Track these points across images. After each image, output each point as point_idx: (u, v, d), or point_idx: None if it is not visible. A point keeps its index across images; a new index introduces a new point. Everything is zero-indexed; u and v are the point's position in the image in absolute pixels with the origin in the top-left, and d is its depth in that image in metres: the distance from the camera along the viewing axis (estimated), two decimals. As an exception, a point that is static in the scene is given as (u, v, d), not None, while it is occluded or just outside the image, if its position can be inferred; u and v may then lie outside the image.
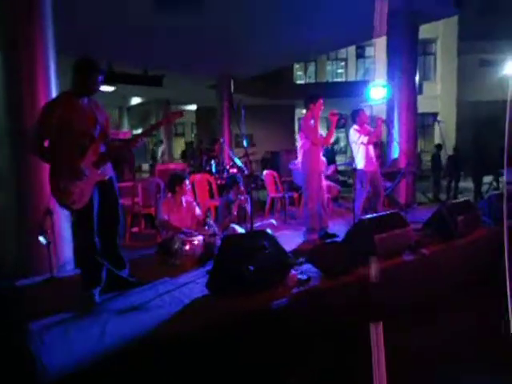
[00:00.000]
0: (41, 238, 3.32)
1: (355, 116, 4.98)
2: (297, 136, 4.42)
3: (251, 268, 2.65)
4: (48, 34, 3.52)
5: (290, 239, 4.47)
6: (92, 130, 2.78)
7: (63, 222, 3.58)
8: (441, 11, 6.48)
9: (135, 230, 4.97)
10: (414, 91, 6.62)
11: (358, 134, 4.85)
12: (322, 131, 4.53)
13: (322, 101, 4.31)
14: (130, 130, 15.89)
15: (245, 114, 4.18)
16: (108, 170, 2.92)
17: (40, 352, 2.15)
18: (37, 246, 3.37)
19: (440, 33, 16.55)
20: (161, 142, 12.67)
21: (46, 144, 2.69)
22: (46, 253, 3.30)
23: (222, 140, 4.64)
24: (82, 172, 2.65)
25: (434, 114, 17.28)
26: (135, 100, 15.49)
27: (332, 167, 7.09)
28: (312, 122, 4.33)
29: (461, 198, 5.28)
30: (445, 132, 14.75)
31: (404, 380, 2.46)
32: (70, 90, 2.75)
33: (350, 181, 4.68)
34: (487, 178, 9.55)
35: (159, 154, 10.99)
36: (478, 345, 2.93)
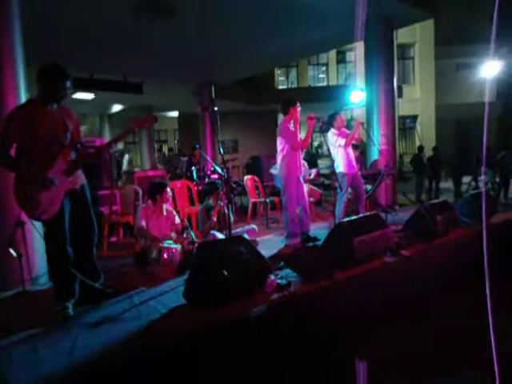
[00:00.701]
0: (11, 251, 3.21)
1: (332, 120, 5.01)
2: (277, 140, 4.40)
3: (227, 275, 2.60)
4: (16, 45, 3.44)
5: (272, 244, 4.45)
6: (61, 137, 2.70)
7: (36, 233, 3.47)
8: (413, 16, 6.60)
9: (113, 239, 4.87)
10: (391, 94, 6.70)
11: (335, 137, 4.88)
12: (301, 135, 4.53)
13: (298, 105, 4.32)
14: (111, 137, 15.64)
15: (221, 121, 4.15)
16: (79, 178, 2.84)
17: (7, 370, 2.05)
18: (8, 259, 3.26)
19: (418, 37, 16.90)
20: (127, 151, 12.29)
21: (12, 152, 2.60)
22: (17, 266, 3.20)
23: (197, 146, 4.57)
24: (51, 181, 2.56)
25: (414, 117, 17.61)
26: (116, 107, 15.29)
27: (314, 171, 7.11)
28: (291, 126, 4.34)
29: (440, 199, 5.34)
30: (421, 134, 15.07)
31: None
32: (36, 98, 2.68)
33: (334, 184, 4.72)
34: (467, 179, 9.73)
35: (124, 164, 10.64)
36: (458, 345, 2.93)
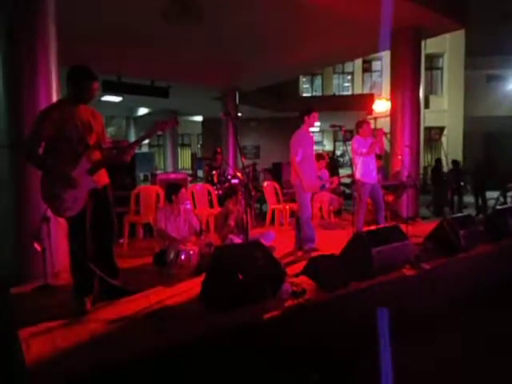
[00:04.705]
0: (36, 245, 3.32)
1: (359, 127, 4.97)
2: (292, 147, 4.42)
3: (242, 279, 2.61)
4: (51, 47, 3.57)
5: (289, 250, 4.43)
6: (87, 137, 2.79)
7: (60, 229, 3.58)
8: (444, 26, 6.48)
9: (133, 239, 4.95)
10: (417, 105, 6.59)
11: (358, 144, 4.85)
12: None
13: (315, 113, 4.36)
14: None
15: (244, 127, 4.21)
16: (102, 178, 2.92)
17: (26, 360, 2.12)
18: (32, 253, 3.37)
19: (447, 47, 16.58)
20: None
21: (40, 151, 2.70)
22: (41, 260, 3.31)
23: (218, 150, 4.63)
24: (75, 180, 2.65)
25: (441, 129, 17.23)
26: (142, 110, 15.66)
27: (335, 180, 7.05)
28: (308, 133, 4.38)
29: (463, 213, 5.19)
30: (447, 146, 14.70)
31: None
32: (65, 98, 2.79)
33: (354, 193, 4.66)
34: (494, 194, 9.43)
35: None
36: (477, 365, 2.83)
